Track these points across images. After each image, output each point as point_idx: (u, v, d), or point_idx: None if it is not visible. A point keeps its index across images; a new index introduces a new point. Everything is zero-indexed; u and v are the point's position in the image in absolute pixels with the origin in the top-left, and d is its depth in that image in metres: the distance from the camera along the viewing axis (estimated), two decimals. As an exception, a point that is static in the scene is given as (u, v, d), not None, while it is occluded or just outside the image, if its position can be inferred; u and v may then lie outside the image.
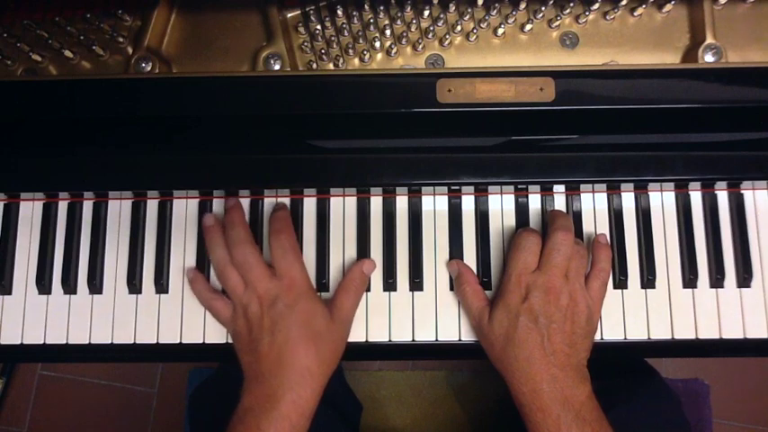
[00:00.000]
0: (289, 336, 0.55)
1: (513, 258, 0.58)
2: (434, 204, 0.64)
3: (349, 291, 0.60)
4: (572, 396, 0.54)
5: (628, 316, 0.62)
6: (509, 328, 0.55)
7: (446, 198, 0.64)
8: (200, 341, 0.62)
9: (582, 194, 0.64)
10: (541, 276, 0.56)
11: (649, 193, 0.64)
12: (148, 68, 0.62)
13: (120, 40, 0.63)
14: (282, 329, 0.55)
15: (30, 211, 0.65)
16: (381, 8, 0.62)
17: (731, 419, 1.30)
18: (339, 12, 0.63)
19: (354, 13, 0.63)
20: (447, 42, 0.63)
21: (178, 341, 0.62)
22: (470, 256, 0.63)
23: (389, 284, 0.62)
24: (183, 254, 0.64)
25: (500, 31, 0.63)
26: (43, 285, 0.63)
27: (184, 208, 0.64)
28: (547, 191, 0.64)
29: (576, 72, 0.58)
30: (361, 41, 0.63)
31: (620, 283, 0.62)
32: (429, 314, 0.62)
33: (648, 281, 0.62)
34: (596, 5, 0.62)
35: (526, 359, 0.54)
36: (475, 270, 0.63)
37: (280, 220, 0.60)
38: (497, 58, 0.63)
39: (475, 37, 0.63)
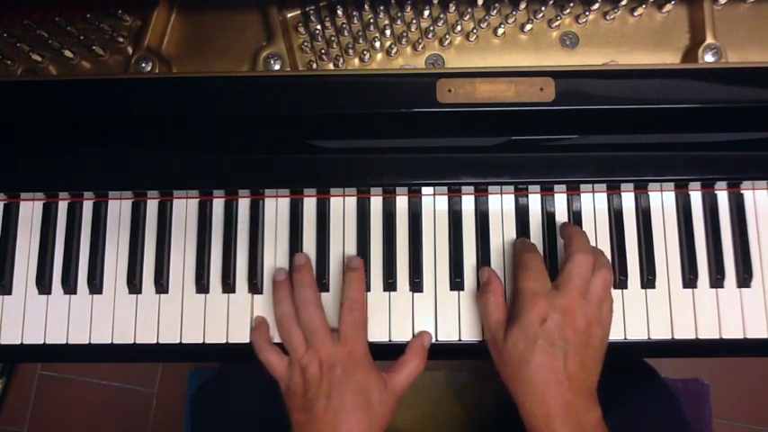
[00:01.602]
0: (344, 402, 0.55)
1: (525, 278, 0.57)
2: (434, 204, 0.64)
3: (410, 364, 0.60)
4: (585, 421, 0.53)
5: (628, 316, 0.62)
6: (525, 351, 0.54)
7: (446, 198, 0.64)
8: (200, 341, 0.62)
9: (582, 194, 0.64)
10: (559, 298, 0.55)
11: (649, 193, 0.64)
12: (148, 68, 0.62)
13: (120, 40, 0.63)
14: (339, 395, 0.56)
15: (30, 211, 0.65)
16: (381, 8, 0.62)
17: (731, 419, 1.30)
18: (339, 12, 0.63)
19: (354, 13, 0.63)
20: (447, 42, 0.63)
21: (178, 341, 0.62)
22: (470, 256, 0.63)
23: (389, 284, 0.62)
24: (183, 254, 0.64)
25: (500, 31, 0.63)
26: (43, 285, 0.63)
27: (184, 208, 0.64)
28: (547, 191, 0.64)
29: (576, 72, 0.58)
30: (361, 41, 0.63)
31: (620, 283, 0.62)
32: (429, 314, 0.62)
33: (648, 281, 0.62)
34: (596, 5, 0.62)
35: (541, 383, 0.53)
36: (474, 270, 0.63)
37: (355, 283, 0.60)
38: (497, 58, 0.63)
39: (475, 37, 0.63)
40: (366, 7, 0.63)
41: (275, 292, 0.61)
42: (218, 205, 0.65)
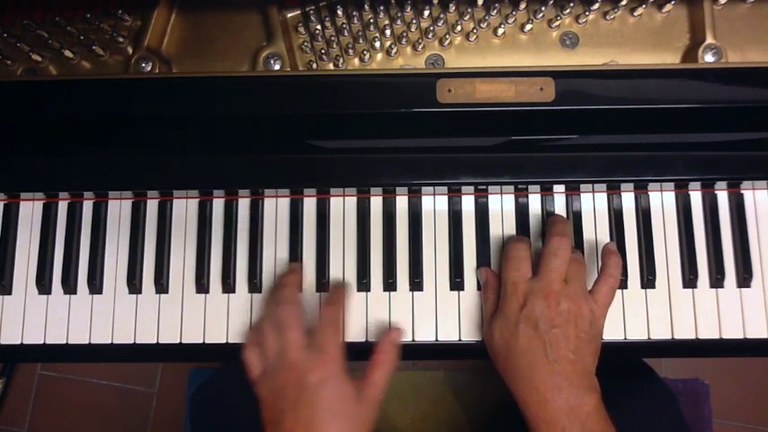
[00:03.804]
0: (314, 415, 0.52)
1: (506, 268, 0.58)
2: (434, 204, 0.64)
3: (382, 365, 0.57)
4: (578, 407, 0.52)
5: (628, 316, 0.62)
6: (510, 338, 0.55)
7: (446, 198, 0.64)
8: (200, 341, 0.62)
9: (582, 194, 0.64)
10: (539, 282, 0.55)
11: (649, 193, 0.64)
12: (148, 68, 0.62)
13: (120, 40, 0.63)
14: (308, 407, 0.52)
15: (30, 211, 0.65)
16: (381, 8, 0.62)
17: (731, 419, 1.30)
18: (339, 12, 0.63)
19: (354, 13, 0.63)
20: (447, 42, 0.63)
21: (178, 341, 0.62)
22: (470, 256, 0.63)
23: (389, 284, 0.62)
24: (183, 254, 0.64)
25: (500, 31, 0.63)
26: (43, 285, 0.63)
27: (184, 208, 0.64)
28: (547, 191, 0.64)
29: (576, 72, 0.58)
30: (361, 41, 0.63)
31: (621, 283, 0.62)
32: (429, 314, 0.62)
33: (648, 281, 0.62)
34: (596, 5, 0.62)
35: (529, 368, 0.53)
36: (475, 270, 0.63)
37: (338, 293, 0.60)
38: (497, 58, 0.63)
39: (475, 37, 0.63)
40: (366, 7, 0.63)
41: (270, 295, 0.61)
42: (218, 205, 0.65)
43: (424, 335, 0.62)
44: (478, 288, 0.62)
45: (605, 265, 0.59)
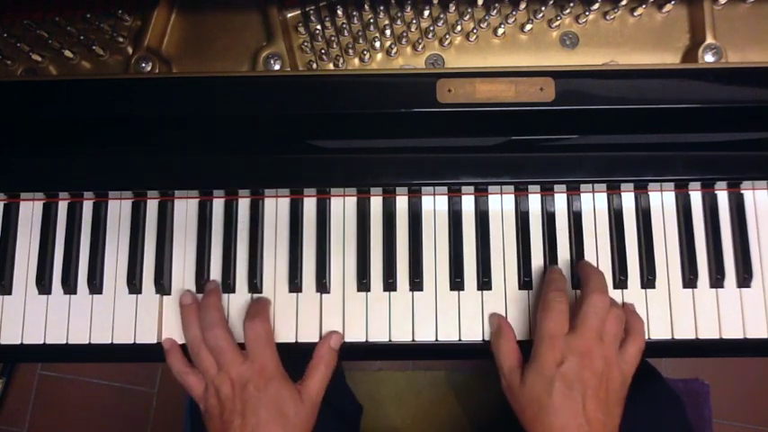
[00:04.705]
0: (259, 419, 0.56)
1: (545, 319, 0.56)
2: (434, 204, 0.64)
3: (319, 368, 0.60)
4: None
5: (628, 316, 0.62)
6: (543, 394, 0.54)
7: (446, 198, 0.64)
8: (201, 341, 0.62)
9: (582, 194, 0.64)
10: (576, 339, 0.55)
11: (649, 193, 0.64)
12: (148, 68, 0.62)
13: (120, 40, 0.63)
14: (252, 413, 0.56)
15: (30, 211, 0.65)
16: (381, 8, 0.62)
17: (731, 419, 1.30)
18: (339, 12, 0.63)
19: (354, 13, 0.63)
20: (447, 42, 0.63)
21: (179, 341, 0.62)
22: (470, 256, 0.63)
23: (389, 284, 0.62)
24: (183, 254, 0.64)
25: (500, 31, 0.63)
26: (43, 285, 0.63)
27: (184, 208, 0.64)
28: (547, 191, 0.64)
29: (576, 72, 0.58)
30: (361, 41, 0.63)
31: (620, 284, 0.62)
32: (429, 314, 0.62)
33: (648, 281, 0.62)
34: (596, 5, 0.62)
35: (561, 428, 0.52)
36: (475, 270, 0.63)
37: (258, 305, 0.61)
38: (497, 58, 0.63)
39: (475, 37, 0.63)
40: (366, 7, 0.63)
41: (183, 317, 0.62)
42: (218, 205, 0.65)
43: (424, 335, 0.62)
44: (478, 288, 0.62)
45: (632, 326, 0.59)
